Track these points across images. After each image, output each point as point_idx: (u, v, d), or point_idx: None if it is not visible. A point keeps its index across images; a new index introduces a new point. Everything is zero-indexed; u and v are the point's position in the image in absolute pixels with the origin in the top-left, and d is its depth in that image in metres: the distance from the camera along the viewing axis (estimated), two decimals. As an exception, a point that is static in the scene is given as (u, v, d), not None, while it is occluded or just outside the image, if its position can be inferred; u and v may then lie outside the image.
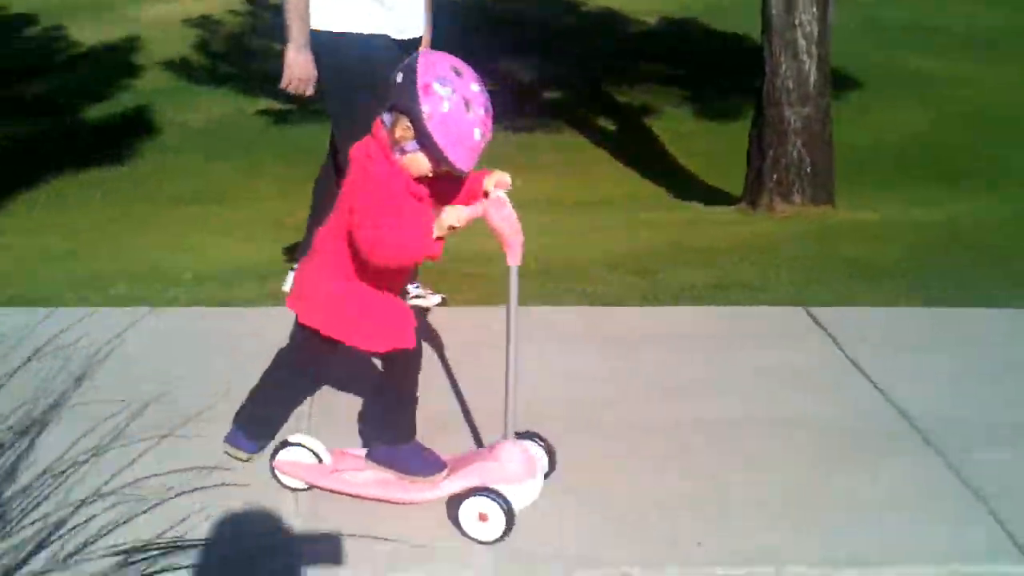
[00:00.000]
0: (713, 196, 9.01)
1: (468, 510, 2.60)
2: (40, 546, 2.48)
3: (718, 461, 3.02)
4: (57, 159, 10.73)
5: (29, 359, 3.47)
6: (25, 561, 2.43)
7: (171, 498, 2.71)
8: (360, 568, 2.50)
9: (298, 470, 2.82)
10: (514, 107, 13.14)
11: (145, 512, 2.65)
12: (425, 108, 2.38)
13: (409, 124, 2.42)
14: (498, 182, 2.62)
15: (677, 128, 12.17)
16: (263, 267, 5.26)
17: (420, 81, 2.39)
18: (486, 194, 2.60)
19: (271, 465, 2.84)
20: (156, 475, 2.80)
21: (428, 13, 4.16)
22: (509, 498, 2.58)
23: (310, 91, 3.93)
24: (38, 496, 2.72)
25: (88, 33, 16.34)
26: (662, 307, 4.42)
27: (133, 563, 2.44)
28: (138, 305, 4.34)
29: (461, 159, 2.45)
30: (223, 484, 2.78)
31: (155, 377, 3.49)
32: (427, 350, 3.58)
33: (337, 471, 2.82)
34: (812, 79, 7.38)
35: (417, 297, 4.31)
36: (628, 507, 2.76)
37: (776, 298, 4.43)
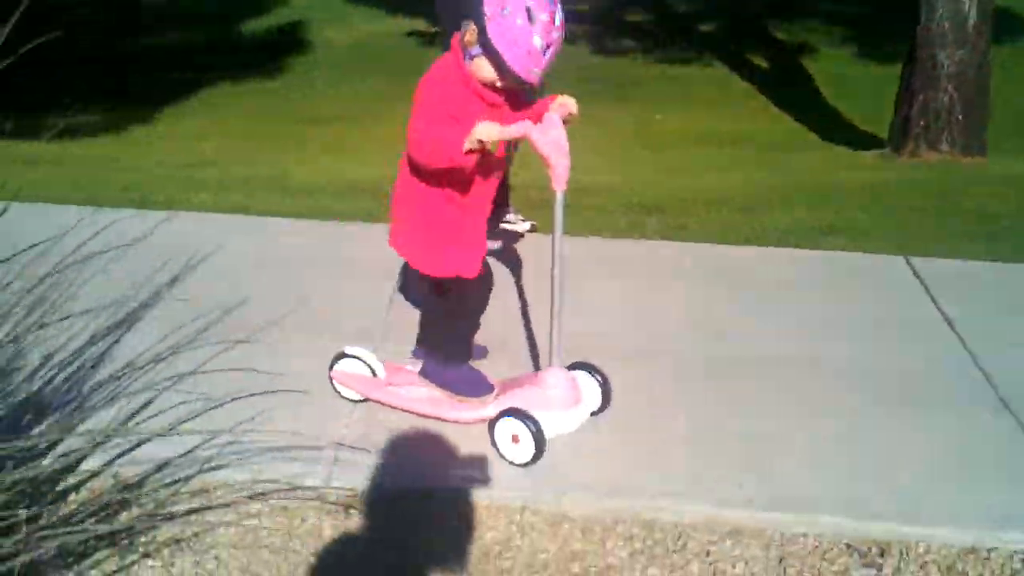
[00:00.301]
0: (861, 140, 8.62)
1: (502, 431, 2.62)
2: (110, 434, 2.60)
3: (777, 404, 2.96)
4: (214, 69, 11.07)
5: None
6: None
7: (229, 401, 2.79)
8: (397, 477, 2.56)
9: (352, 381, 2.89)
10: (668, 38, 12.91)
11: (209, 410, 2.75)
12: (487, 10, 2.38)
13: (475, 28, 2.41)
14: (561, 104, 2.56)
15: (834, 68, 11.66)
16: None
17: None
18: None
19: (329, 375, 2.90)
20: (222, 373, 2.85)
21: None
22: (541, 422, 2.58)
23: None
24: (115, 388, 2.85)
25: None
26: (748, 247, 4.28)
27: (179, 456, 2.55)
28: (247, 214, 4.47)
29: (520, 65, 2.40)
30: (283, 390, 2.83)
31: (243, 283, 3.59)
32: (506, 274, 3.60)
33: (390, 385, 2.87)
34: (971, 20, 6.90)
35: (508, 222, 4.29)
36: (673, 442, 2.74)
37: (881, 246, 4.20)
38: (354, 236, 4.22)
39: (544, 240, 4.03)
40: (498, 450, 2.65)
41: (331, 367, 2.92)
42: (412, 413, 2.81)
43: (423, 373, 2.85)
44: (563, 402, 2.68)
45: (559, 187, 2.53)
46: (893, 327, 3.45)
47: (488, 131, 2.37)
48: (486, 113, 2.50)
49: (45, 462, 2.56)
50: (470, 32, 2.44)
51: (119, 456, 2.59)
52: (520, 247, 4.01)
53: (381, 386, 2.86)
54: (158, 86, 10.56)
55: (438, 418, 2.78)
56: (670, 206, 5.01)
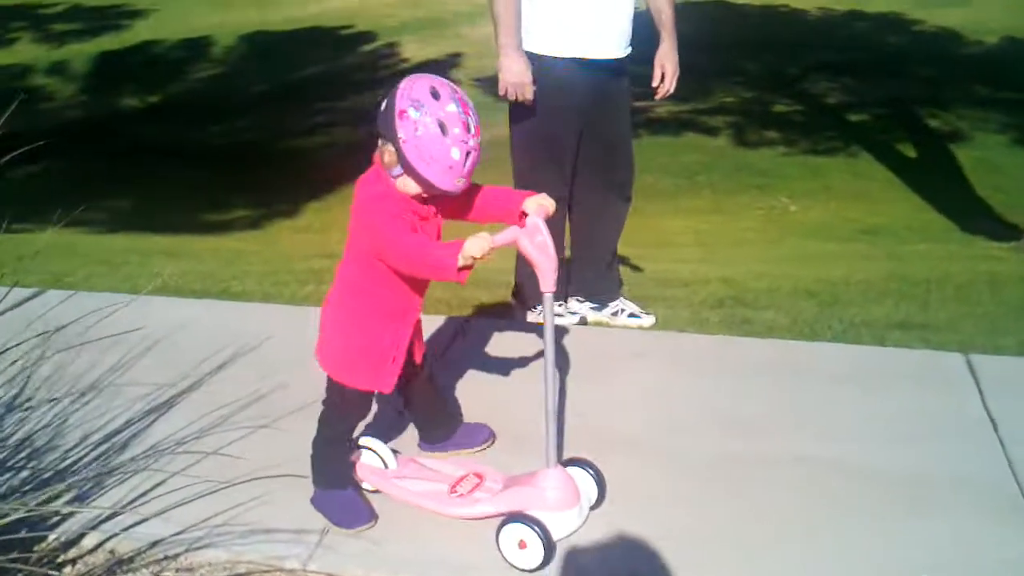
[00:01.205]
0: (1003, 232, 8.29)
1: (507, 537, 2.59)
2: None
3: (798, 504, 2.85)
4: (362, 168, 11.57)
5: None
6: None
7: (234, 484, 2.91)
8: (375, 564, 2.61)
9: (363, 472, 2.94)
10: (812, 128, 12.77)
11: (214, 492, 2.88)
12: (400, 134, 2.41)
13: (393, 149, 2.46)
14: (539, 207, 2.58)
15: (987, 156, 11.26)
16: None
17: (397, 107, 2.42)
18: (523, 215, 2.58)
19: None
20: (236, 460, 3.00)
21: (667, 26, 4.06)
22: (548, 525, 2.56)
23: (529, 95, 3.85)
24: (135, 468, 3.03)
25: (416, 49, 17.59)
26: (802, 341, 4.14)
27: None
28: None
29: (442, 180, 2.44)
30: (287, 475, 2.93)
31: (284, 370, 3.75)
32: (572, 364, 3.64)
33: (397, 477, 2.91)
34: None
35: (633, 315, 4.33)
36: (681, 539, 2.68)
37: (953, 341, 4.01)
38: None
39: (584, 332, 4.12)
40: (504, 557, 2.60)
41: None
42: (416, 507, 2.83)
43: (312, 503, 2.86)
44: (563, 503, 2.65)
45: (547, 289, 2.55)
46: (932, 426, 3.27)
47: (480, 246, 2.35)
48: (418, 226, 2.57)
49: (51, 536, 2.75)
50: (388, 153, 2.48)
51: (117, 534, 2.74)
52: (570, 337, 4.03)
53: (388, 478, 2.91)
54: (307, 183, 11.16)
55: (439, 513, 2.79)
56: (750, 299, 4.94)
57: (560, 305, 4.32)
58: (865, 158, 11.69)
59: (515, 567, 2.58)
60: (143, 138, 14.67)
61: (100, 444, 3.19)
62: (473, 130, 2.44)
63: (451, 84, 2.49)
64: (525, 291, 4.29)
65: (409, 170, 2.45)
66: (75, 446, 3.15)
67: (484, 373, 3.73)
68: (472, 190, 2.62)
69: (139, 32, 20.97)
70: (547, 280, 2.53)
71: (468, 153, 2.43)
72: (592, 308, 4.34)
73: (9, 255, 5.78)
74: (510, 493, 2.72)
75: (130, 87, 17.27)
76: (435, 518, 2.78)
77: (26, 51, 20.24)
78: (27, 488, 2.77)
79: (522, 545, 2.56)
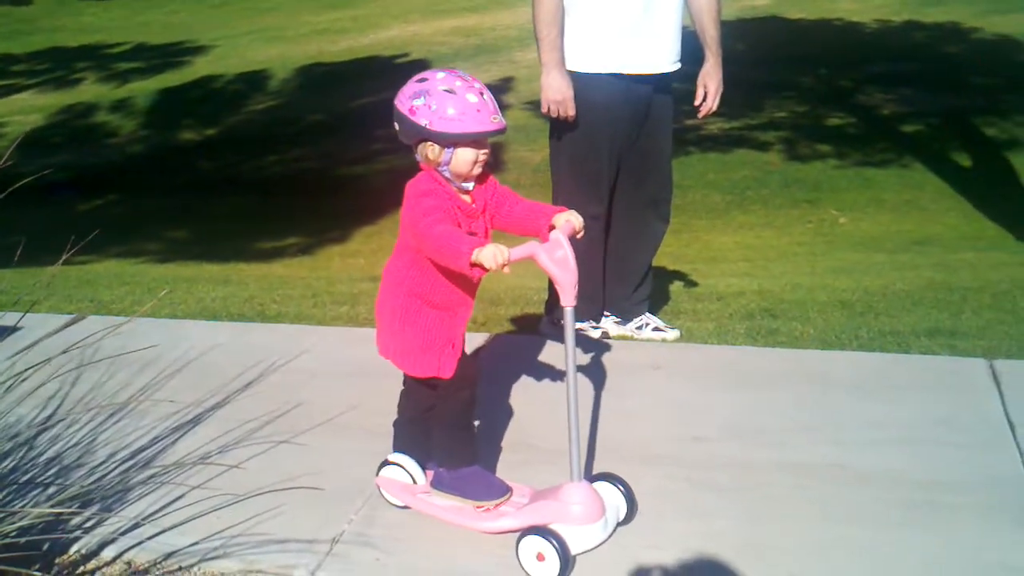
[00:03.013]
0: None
1: (526, 549, 2.61)
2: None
3: (818, 512, 2.83)
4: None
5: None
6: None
7: (250, 496, 2.98)
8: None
9: (391, 487, 2.98)
10: (865, 141, 12.63)
11: (231, 504, 2.95)
12: (423, 121, 2.53)
13: (428, 142, 2.57)
14: (566, 223, 2.63)
15: (1046, 165, 11.05)
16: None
17: (404, 111, 2.56)
18: (551, 228, 2.64)
19: (376, 481, 3.01)
20: (255, 473, 3.09)
21: (711, 44, 4.09)
22: (566, 539, 2.57)
23: (571, 111, 3.90)
24: (158, 482, 3.11)
25: (470, 75, 17.71)
26: (828, 351, 4.13)
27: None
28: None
29: (480, 124, 2.53)
30: (302, 487, 3.00)
31: (309, 388, 3.82)
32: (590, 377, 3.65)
33: (423, 492, 2.94)
34: None
35: (657, 329, 4.35)
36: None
37: (979, 348, 3.95)
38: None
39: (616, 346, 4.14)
40: (524, 568, 2.62)
41: (377, 473, 3.00)
42: (441, 521, 2.85)
43: (435, 483, 2.90)
44: (586, 517, 2.65)
45: (567, 303, 2.59)
46: (952, 432, 3.23)
47: (493, 256, 2.41)
48: (463, 222, 2.65)
49: (72, 548, 2.85)
50: (428, 148, 2.58)
51: (134, 546, 2.82)
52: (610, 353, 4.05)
53: (415, 493, 2.94)
54: (360, 210, 11.30)
55: (462, 527, 2.81)
56: (781, 310, 4.90)
57: (594, 326, 4.34)
58: (918, 169, 11.51)
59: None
60: (201, 170, 14.99)
61: (126, 460, 3.28)
62: (470, 78, 2.56)
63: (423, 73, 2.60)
64: (558, 307, 4.30)
65: (450, 141, 2.55)
66: (102, 462, 3.25)
67: (514, 388, 3.77)
68: (513, 202, 2.74)
69: (199, 68, 21.44)
70: (567, 295, 2.57)
71: (482, 93, 2.55)
72: (616, 322, 4.35)
73: (63, 284, 5.98)
74: (534, 507, 2.73)
75: (189, 121, 17.66)
76: (445, 529, 2.81)
77: (91, 90, 20.80)
78: (52, 503, 2.86)
79: (540, 557, 2.58)
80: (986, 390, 3.51)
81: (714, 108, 4.12)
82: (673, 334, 4.32)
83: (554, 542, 2.55)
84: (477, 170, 2.64)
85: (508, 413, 3.56)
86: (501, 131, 2.59)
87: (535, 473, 3.05)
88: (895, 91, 14.61)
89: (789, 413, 3.47)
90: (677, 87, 4.11)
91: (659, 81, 3.98)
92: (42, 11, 30.88)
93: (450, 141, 2.55)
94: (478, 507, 2.82)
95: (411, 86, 2.58)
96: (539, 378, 3.77)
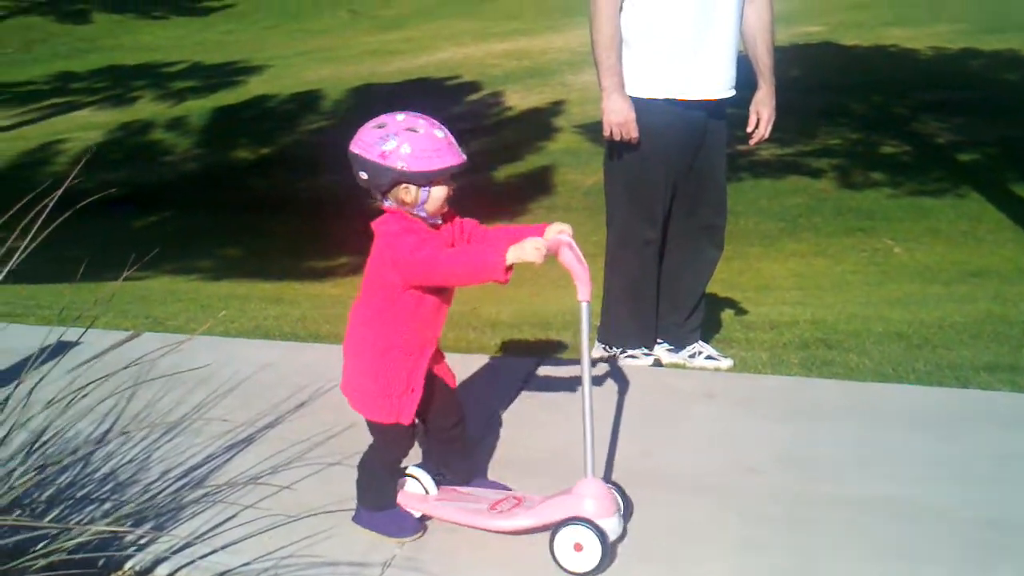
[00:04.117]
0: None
1: (563, 540, 2.65)
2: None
3: (869, 548, 2.78)
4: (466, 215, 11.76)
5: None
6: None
7: (302, 518, 2.99)
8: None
9: (408, 499, 3.00)
10: (920, 169, 12.49)
11: (284, 524, 2.96)
12: (398, 164, 2.56)
13: (404, 185, 2.60)
14: (560, 231, 2.67)
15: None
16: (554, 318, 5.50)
17: (373, 158, 2.58)
18: None
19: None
20: (306, 495, 3.11)
21: (764, 72, 4.12)
22: (604, 527, 2.61)
23: (634, 133, 3.89)
24: (211, 500, 3.13)
25: (520, 98, 17.80)
26: (881, 383, 4.07)
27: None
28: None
29: (450, 158, 2.57)
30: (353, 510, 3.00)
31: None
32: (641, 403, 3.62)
33: (440, 500, 2.97)
34: None
35: (710, 358, 4.33)
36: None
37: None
38: (497, 369, 4.38)
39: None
40: (561, 564, 2.65)
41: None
42: (453, 523, 2.90)
43: (355, 520, 2.96)
44: (603, 510, 2.67)
45: (584, 297, 2.63)
46: (1010, 470, 3.17)
47: (539, 246, 2.47)
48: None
49: (127, 565, 2.87)
50: (403, 190, 2.61)
51: (187, 564, 2.83)
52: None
53: (430, 501, 2.97)
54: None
55: (479, 527, 2.84)
56: (836, 341, 4.85)
57: (646, 353, 4.31)
58: (975, 199, 11.37)
59: (568, 570, 2.64)
60: (255, 189, 15.17)
61: (180, 478, 3.31)
62: (426, 116, 2.60)
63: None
64: (612, 331, 4.29)
65: (426, 179, 2.58)
66: (156, 480, 3.28)
67: (546, 415, 3.76)
68: (484, 230, 2.81)
69: (254, 87, 21.75)
70: (586, 288, 2.62)
71: (442, 128, 2.60)
72: (668, 350, 4.33)
73: (118, 299, 6.06)
74: (549, 504, 2.76)
75: (243, 140, 17.89)
76: (497, 554, 2.80)
77: (147, 108, 21.16)
78: (108, 520, 2.89)
79: (578, 548, 2.62)
80: (1048, 428, 3.44)
81: (767, 136, 4.14)
82: (726, 363, 4.29)
83: (593, 530, 2.59)
84: (445, 207, 2.68)
85: (533, 439, 3.56)
86: (465, 164, 2.62)
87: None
88: (951, 119, 14.46)
89: (845, 446, 3.42)
90: (730, 112, 4.10)
91: (714, 107, 3.98)
92: (102, 30, 31.51)
93: (427, 180, 2.58)
94: (492, 507, 2.86)
95: (371, 132, 2.59)
96: (571, 403, 3.73)
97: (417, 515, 2.97)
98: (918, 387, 3.96)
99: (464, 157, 2.61)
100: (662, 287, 4.29)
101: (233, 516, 3.02)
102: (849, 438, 3.48)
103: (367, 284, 2.78)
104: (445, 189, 2.64)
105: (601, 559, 2.59)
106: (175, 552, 2.87)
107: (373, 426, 2.86)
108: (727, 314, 5.47)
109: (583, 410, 2.69)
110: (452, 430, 3.03)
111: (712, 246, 4.25)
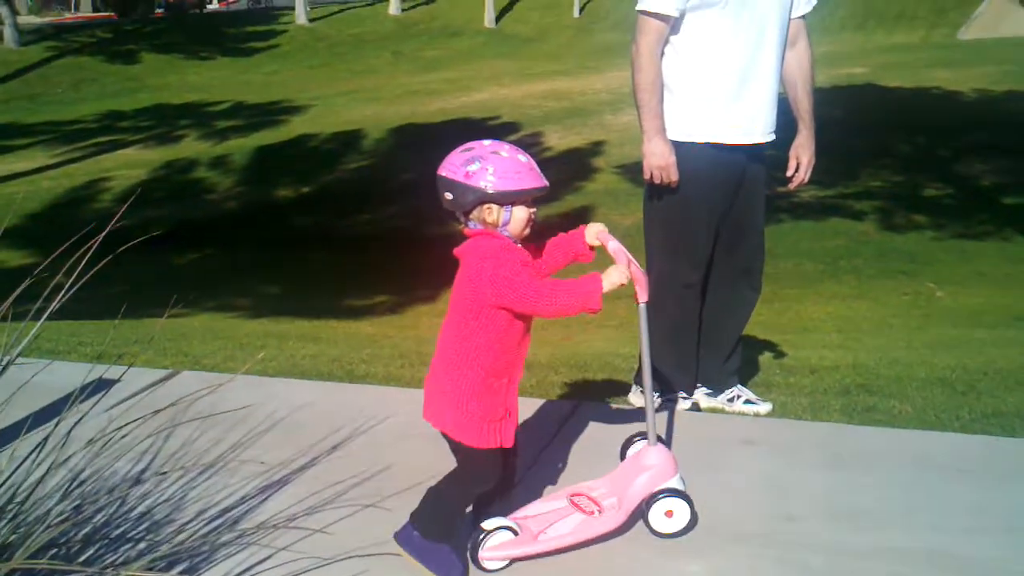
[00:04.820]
0: None
1: (656, 511, 2.97)
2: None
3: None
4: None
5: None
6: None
7: (336, 560, 2.97)
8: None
9: (504, 549, 2.94)
10: (963, 212, 12.37)
11: (310, 571, 2.95)
12: (483, 184, 2.64)
13: (488, 205, 2.67)
14: (600, 232, 2.86)
15: None
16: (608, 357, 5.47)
17: (459, 179, 2.66)
18: (591, 248, 2.89)
19: (478, 558, 2.94)
20: (340, 537, 3.08)
21: (804, 116, 4.12)
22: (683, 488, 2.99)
23: (674, 176, 3.88)
24: (245, 542, 3.12)
25: (559, 138, 17.87)
26: (923, 431, 4.01)
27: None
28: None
29: (535, 180, 2.69)
30: (384, 553, 2.98)
31: (395, 451, 3.81)
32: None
33: (535, 536, 2.96)
34: None
35: (749, 402, 4.28)
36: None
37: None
38: (536, 411, 4.34)
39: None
40: (655, 529, 2.98)
41: (476, 552, 2.95)
42: (570, 546, 2.95)
43: (398, 538, 2.93)
44: (676, 466, 3.03)
45: (645, 299, 2.82)
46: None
47: (622, 270, 2.65)
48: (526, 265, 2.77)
49: (159, 607, 2.86)
50: (486, 211, 2.69)
51: (219, 605, 2.83)
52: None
53: (528, 541, 2.95)
54: (449, 268, 11.36)
55: (599, 536, 2.98)
56: (878, 386, 4.77)
57: (684, 397, 4.27)
58: (1019, 242, 11.24)
59: (660, 534, 3.01)
60: (295, 226, 15.31)
61: (215, 519, 3.30)
62: (506, 142, 2.72)
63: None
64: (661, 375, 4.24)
65: (510, 199, 2.66)
66: (191, 520, 3.27)
67: (592, 456, 3.71)
68: (536, 246, 2.88)
69: (296, 126, 22.03)
70: (645, 290, 2.80)
71: (525, 155, 2.70)
72: (707, 394, 4.28)
73: (158, 337, 6.11)
74: (640, 480, 3.01)
75: (284, 179, 18.09)
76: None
77: (192, 147, 21.48)
78: (142, 561, 2.89)
79: (669, 514, 2.99)
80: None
81: (806, 180, 4.12)
82: (765, 407, 4.23)
83: (681, 497, 2.99)
84: (528, 230, 2.75)
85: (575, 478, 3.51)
86: (547, 189, 2.71)
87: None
88: (995, 162, 14.35)
89: (887, 495, 3.36)
90: (769, 154, 4.08)
91: (754, 151, 3.96)
92: (149, 70, 32.12)
93: (510, 200, 2.66)
94: (589, 514, 3.00)
95: (458, 156, 2.70)
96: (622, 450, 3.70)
97: (504, 563, 2.94)
98: (962, 435, 3.89)
99: (546, 182, 2.69)
100: (701, 330, 4.26)
101: (267, 558, 3.01)
102: (891, 487, 3.42)
103: (458, 307, 2.78)
104: (527, 211, 2.70)
105: (690, 518, 3.00)
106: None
107: (468, 453, 2.83)
108: (766, 357, 5.41)
109: (644, 382, 3.01)
110: (512, 458, 3.02)
111: (749, 288, 4.22)
